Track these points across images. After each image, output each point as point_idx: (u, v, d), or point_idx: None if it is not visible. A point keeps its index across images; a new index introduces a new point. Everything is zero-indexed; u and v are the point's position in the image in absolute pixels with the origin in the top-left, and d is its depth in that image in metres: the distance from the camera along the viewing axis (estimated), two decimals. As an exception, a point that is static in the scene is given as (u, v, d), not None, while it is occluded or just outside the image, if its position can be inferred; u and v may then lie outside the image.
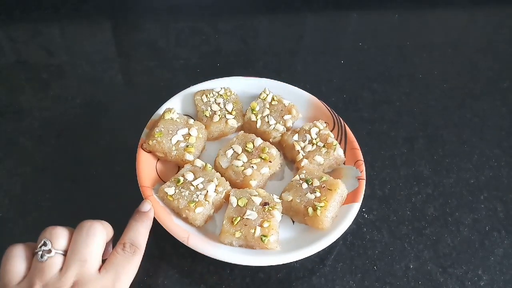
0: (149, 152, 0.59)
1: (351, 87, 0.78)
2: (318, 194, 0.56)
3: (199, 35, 0.85)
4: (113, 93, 0.75)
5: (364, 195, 0.60)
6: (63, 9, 0.87)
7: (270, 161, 0.60)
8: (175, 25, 0.87)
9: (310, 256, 0.57)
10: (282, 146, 0.64)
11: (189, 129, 0.61)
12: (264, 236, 0.52)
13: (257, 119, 0.64)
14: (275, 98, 0.66)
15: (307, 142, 0.62)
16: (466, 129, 0.74)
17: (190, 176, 0.57)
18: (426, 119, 0.75)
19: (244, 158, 0.59)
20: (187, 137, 0.60)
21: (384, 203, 0.64)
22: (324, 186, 0.57)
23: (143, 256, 0.56)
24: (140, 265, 0.51)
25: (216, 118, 0.63)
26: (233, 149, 0.60)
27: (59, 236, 0.44)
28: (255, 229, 0.53)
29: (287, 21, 0.91)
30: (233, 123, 0.64)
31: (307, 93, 0.68)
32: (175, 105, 0.65)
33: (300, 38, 0.88)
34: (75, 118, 0.70)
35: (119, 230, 0.58)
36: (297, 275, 0.56)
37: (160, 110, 0.63)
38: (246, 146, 0.60)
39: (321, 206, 0.55)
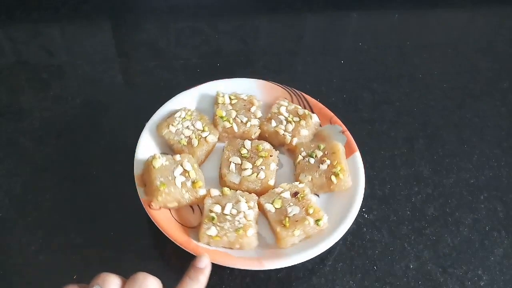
0: (160, 208, 0.56)
1: (351, 87, 0.78)
2: (328, 161, 0.60)
3: (199, 35, 0.85)
4: (113, 93, 0.75)
5: (364, 195, 0.60)
6: (63, 9, 0.87)
7: (271, 155, 0.60)
8: (175, 25, 0.87)
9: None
10: (265, 137, 0.65)
11: (182, 165, 0.57)
12: (318, 220, 0.54)
13: (231, 124, 0.63)
14: (231, 97, 0.66)
15: (284, 122, 0.64)
16: (466, 129, 0.74)
17: (218, 208, 0.55)
18: (426, 119, 0.75)
19: (248, 165, 0.59)
20: (186, 174, 0.57)
21: (384, 203, 0.64)
22: (327, 153, 0.61)
23: (144, 257, 0.57)
24: (140, 265, 0.51)
25: (195, 142, 0.61)
26: (233, 162, 0.60)
27: (111, 284, 0.42)
28: (307, 220, 0.54)
29: (287, 21, 0.91)
30: (212, 138, 0.62)
31: (253, 79, 0.69)
32: (148, 140, 0.62)
33: (300, 38, 0.88)
34: (75, 118, 0.70)
35: (120, 231, 0.58)
36: (297, 275, 0.56)
37: (138, 155, 0.59)
38: (241, 154, 0.60)
39: (339, 170, 0.59)
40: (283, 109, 0.65)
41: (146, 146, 0.60)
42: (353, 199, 0.58)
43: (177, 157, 0.58)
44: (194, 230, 0.56)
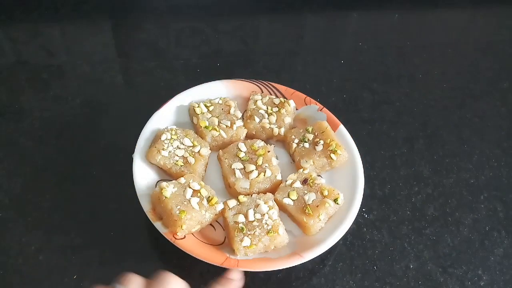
0: (185, 236, 0.54)
1: (351, 87, 0.78)
2: (321, 141, 0.62)
3: (199, 36, 0.85)
4: (113, 93, 0.75)
5: (364, 195, 0.60)
6: (63, 9, 0.87)
7: (268, 151, 0.60)
8: (175, 25, 0.87)
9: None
10: (252, 134, 0.65)
11: (189, 186, 0.56)
12: (336, 199, 0.56)
13: (219, 132, 0.63)
14: (207, 105, 0.65)
15: (266, 116, 0.65)
16: (466, 129, 0.74)
17: (241, 218, 0.54)
18: (426, 119, 0.75)
19: (251, 166, 0.59)
20: (198, 194, 0.55)
21: (384, 203, 0.64)
22: (317, 134, 0.63)
23: (144, 257, 0.57)
24: (140, 265, 0.51)
25: (192, 159, 0.59)
26: (236, 169, 0.59)
27: (134, 284, 0.42)
28: (326, 202, 0.55)
29: (287, 22, 0.91)
30: (205, 151, 0.60)
31: (220, 80, 0.68)
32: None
33: (300, 38, 0.88)
34: (75, 118, 0.70)
35: (120, 231, 0.58)
36: (297, 275, 0.56)
37: (140, 189, 0.57)
38: (240, 158, 0.60)
39: (335, 147, 0.61)
40: (259, 103, 0.66)
41: (143, 178, 0.58)
42: (355, 169, 0.61)
43: (182, 180, 0.56)
44: (223, 246, 0.55)
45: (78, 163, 0.65)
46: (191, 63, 0.80)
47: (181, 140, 0.61)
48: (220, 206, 0.55)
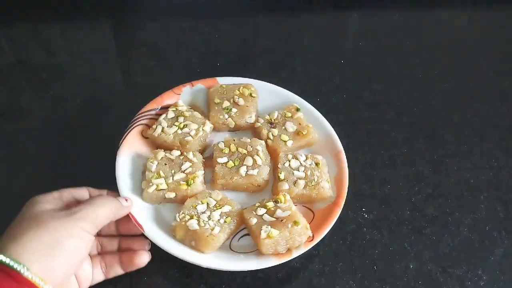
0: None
1: (351, 87, 0.78)
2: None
3: (199, 35, 0.85)
4: (113, 93, 0.75)
5: (364, 194, 0.59)
6: (63, 9, 0.87)
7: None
8: (175, 25, 0.87)
9: (309, 255, 0.58)
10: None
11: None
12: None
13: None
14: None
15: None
16: (466, 129, 0.74)
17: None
18: (426, 119, 0.75)
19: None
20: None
21: (384, 203, 0.64)
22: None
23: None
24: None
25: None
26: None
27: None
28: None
29: (287, 21, 0.91)
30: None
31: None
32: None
33: (300, 38, 0.88)
34: (75, 118, 0.70)
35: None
36: (297, 275, 0.56)
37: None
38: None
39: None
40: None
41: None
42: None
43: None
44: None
45: (78, 163, 0.65)
46: (191, 63, 0.80)
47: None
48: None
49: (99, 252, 0.54)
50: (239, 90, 0.66)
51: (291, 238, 0.53)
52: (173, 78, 0.76)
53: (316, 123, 0.65)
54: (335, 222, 0.57)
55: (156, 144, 0.62)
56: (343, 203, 0.58)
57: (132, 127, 0.62)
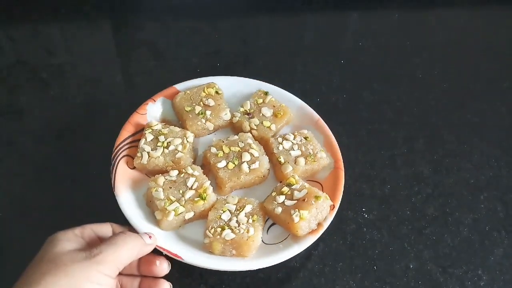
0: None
1: (351, 87, 0.78)
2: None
3: (199, 35, 0.85)
4: (113, 93, 0.75)
5: (364, 194, 0.59)
6: (63, 9, 0.87)
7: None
8: (175, 25, 0.87)
9: (310, 255, 0.58)
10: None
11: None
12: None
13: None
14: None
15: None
16: (466, 129, 0.74)
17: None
18: (426, 119, 0.75)
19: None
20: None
21: (384, 203, 0.64)
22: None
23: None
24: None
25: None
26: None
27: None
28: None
29: (287, 21, 0.91)
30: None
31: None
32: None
33: (300, 38, 0.88)
34: (75, 118, 0.70)
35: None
36: (297, 275, 0.56)
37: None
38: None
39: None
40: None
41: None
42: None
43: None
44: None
45: (78, 163, 0.65)
46: (191, 63, 0.80)
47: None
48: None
49: None
50: (204, 92, 0.65)
51: (319, 213, 0.54)
52: (173, 78, 0.76)
53: (287, 100, 0.67)
54: (335, 222, 0.57)
55: (147, 171, 0.59)
56: (343, 164, 0.60)
57: (116, 163, 0.58)
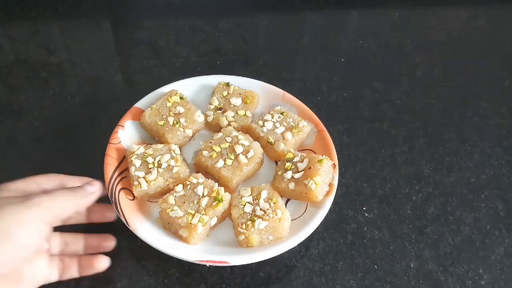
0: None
1: (351, 86, 0.78)
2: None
3: (199, 34, 0.85)
4: (113, 91, 0.75)
5: (364, 193, 0.59)
6: (62, 7, 0.86)
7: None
8: (174, 23, 0.87)
9: (310, 254, 0.58)
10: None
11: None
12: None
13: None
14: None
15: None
16: (467, 128, 0.74)
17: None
18: (426, 118, 0.74)
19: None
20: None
21: (384, 202, 0.64)
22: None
23: (144, 254, 0.56)
24: (139, 263, 0.51)
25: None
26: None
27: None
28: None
29: (287, 20, 0.91)
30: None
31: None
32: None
33: (301, 36, 0.88)
34: (75, 117, 0.70)
35: (118, 229, 0.58)
36: (298, 274, 0.56)
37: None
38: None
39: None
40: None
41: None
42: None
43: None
44: None
45: (78, 163, 0.64)
46: (190, 61, 0.80)
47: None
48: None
49: (61, 252, 0.52)
50: (169, 101, 0.63)
51: (327, 175, 0.57)
52: (172, 77, 0.76)
53: (248, 85, 0.67)
54: (335, 221, 0.58)
55: (149, 196, 0.57)
56: (323, 125, 0.63)
57: (117, 201, 0.55)
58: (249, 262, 0.52)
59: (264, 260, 0.52)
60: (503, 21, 0.95)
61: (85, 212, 0.54)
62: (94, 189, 0.51)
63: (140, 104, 0.65)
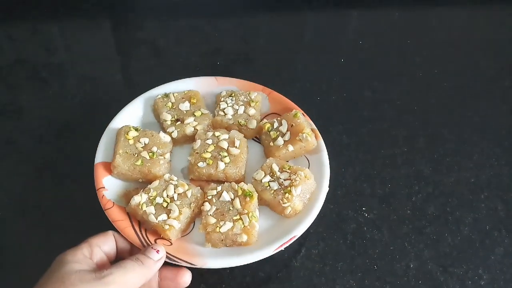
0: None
1: (351, 86, 0.78)
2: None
3: (199, 34, 0.85)
4: (113, 92, 0.75)
5: (364, 194, 0.59)
6: (62, 7, 0.86)
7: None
8: (175, 23, 0.87)
9: (310, 254, 0.58)
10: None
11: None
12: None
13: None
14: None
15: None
16: (466, 128, 0.74)
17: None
18: (426, 118, 0.74)
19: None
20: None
21: (384, 202, 0.64)
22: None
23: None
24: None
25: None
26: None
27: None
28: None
29: (287, 20, 0.91)
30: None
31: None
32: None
33: (301, 36, 0.88)
34: (75, 117, 0.70)
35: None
36: (298, 274, 0.56)
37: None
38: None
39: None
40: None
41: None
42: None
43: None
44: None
45: (78, 163, 0.64)
46: (191, 61, 0.80)
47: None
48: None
49: None
50: (129, 139, 0.60)
51: (308, 123, 0.62)
52: (172, 77, 0.76)
53: (183, 87, 0.67)
54: (335, 222, 0.58)
55: (182, 231, 0.55)
56: (267, 88, 0.66)
57: (173, 257, 0.52)
58: (262, 257, 0.52)
59: (265, 258, 0.52)
60: (503, 21, 0.95)
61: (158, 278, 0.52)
62: (161, 255, 0.50)
63: (99, 159, 0.59)
